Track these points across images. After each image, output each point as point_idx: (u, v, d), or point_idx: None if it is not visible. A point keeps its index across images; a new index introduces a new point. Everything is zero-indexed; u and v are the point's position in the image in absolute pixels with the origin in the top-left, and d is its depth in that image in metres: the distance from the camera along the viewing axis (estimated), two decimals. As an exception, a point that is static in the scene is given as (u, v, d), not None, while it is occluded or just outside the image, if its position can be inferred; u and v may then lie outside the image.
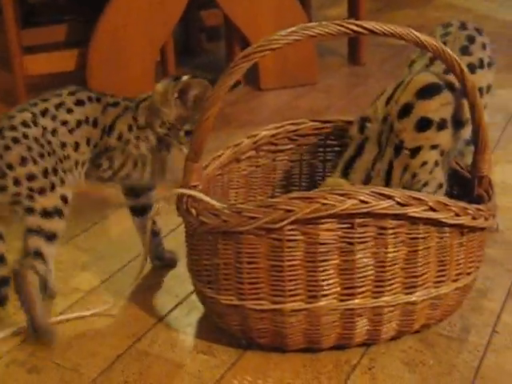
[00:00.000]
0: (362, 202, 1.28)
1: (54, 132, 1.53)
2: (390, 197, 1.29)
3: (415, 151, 1.45)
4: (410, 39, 1.32)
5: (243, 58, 1.29)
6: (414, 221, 1.32)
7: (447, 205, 1.33)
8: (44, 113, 1.53)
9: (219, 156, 1.61)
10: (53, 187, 1.49)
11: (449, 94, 1.47)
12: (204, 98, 1.51)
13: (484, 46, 1.63)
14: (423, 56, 1.60)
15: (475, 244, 1.42)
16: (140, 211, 1.69)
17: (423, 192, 1.45)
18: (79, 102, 1.57)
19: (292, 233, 1.31)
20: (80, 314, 1.57)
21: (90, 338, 1.51)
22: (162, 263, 1.74)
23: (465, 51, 1.57)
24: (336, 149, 1.74)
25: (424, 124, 1.45)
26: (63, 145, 1.54)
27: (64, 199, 1.51)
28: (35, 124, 1.51)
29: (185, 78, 1.57)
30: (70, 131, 1.54)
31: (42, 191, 1.48)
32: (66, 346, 1.48)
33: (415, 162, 1.45)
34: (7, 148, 1.47)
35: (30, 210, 1.48)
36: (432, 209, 1.31)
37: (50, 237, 1.49)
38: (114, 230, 1.92)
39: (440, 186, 1.49)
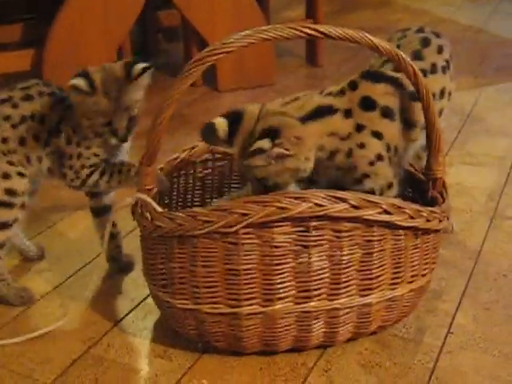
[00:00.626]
0: (317, 205, 1.28)
1: None
2: (344, 200, 1.30)
3: (359, 127, 1.43)
4: (364, 43, 1.32)
5: (197, 62, 1.28)
6: (368, 223, 1.33)
7: (401, 207, 1.34)
8: None
9: (175, 159, 1.61)
10: None
11: (392, 86, 1.46)
12: (107, 82, 1.48)
13: (440, 49, 1.62)
14: (380, 59, 1.60)
15: (430, 246, 1.43)
16: (101, 212, 1.67)
17: (364, 184, 1.44)
18: (27, 97, 1.55)
19: (247, 236, 1.30)
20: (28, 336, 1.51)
21: (44, 342, 1.49)
22: (119, 266, 1.72)
23: (417, 55, 1.56)
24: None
25: (368, 104, 1.44)
26: (4, 140, 1.54)
27: (10, 192, 1.53)
28: None
29: (73, 81, 1.48)
30: (13, 126, 1.54)
31: None
32: (19, 352, 1.46)
33: (355, 138, 1.43)
34: None
35: None
36: (386, 211, 1.32)
37: (2, 226, 1.54)
38: (68, 233, 1.90)
39: (389, 185, 1.46)
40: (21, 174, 1.55)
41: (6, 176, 1.54)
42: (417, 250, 1.41)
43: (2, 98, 1.56)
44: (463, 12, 4.06)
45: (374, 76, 1.47)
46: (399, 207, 1.34)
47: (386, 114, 1.44)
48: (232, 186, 1.72)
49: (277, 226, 1.30)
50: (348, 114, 1.43)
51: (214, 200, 1.70)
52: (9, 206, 1.54)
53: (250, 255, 1.32)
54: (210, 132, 1.41)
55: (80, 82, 1.46)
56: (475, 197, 2.04)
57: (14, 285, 1.61)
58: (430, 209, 1.39)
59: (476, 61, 3.22)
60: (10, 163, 1.54)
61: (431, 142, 1.42)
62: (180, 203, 1.68)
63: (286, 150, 1.35)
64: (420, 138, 1.49)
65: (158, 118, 1.31)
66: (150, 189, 1.39)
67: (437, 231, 1.43)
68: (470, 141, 2.41)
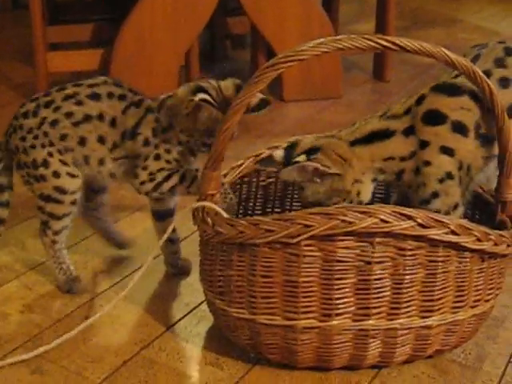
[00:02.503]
0: (383, 221, 1.25)
1: (53, 123, 1.54)
2: (410, 217, 1.26)
3: (423, 144, 1.40)
4: (440, 57, 1.29)
5: (270, 67, 1.27)
6: (434, 243, 1.29)
7: (469, 229, 1.30)
8: (48, 104, 1.55)
9: (239, 166, 1.59)
10: (44, 178, 1.55)
11: (470, 101, 1.40)
12: (214, 119, 1.49)
13: None
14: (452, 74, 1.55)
15: (495, 271, 1.39)
16: (162, 216, 1.65)
17: (433, 203, 1.41)
18: (95, 96, 1.55)
19: (309, 248, 1.28)
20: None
21: (96, 342, 1.49)
22: (175, 271, 1.71)
23: (499, 62, 1.51)
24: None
25: (434, 117, 1.40)
26: (63, 136, 1.54)
27: (60, 190, 1.55)
28: (35, 115, 1.55)
29: (200, 95, 1.50)
30: (74, 124, 1.54)
31: (35, 179, 1.56)
32: (71, 349, 1.46)
33: (421, 155, 1.41)
34: (10, 136, 1.58)
35: (32, 191, 1.60)
36: (453, 232, 1.28)
37: (53, 216, 1.58)
38: (127, 233, 1.89)
39: (455, 206, 1.43)
40: (71, 175, 1.56)
41: (56, 175, 1.55)
42: (482, 274, 1.37)
43: (67, 93, 1.55)
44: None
45: (449, 89, 1.43)
46: (467, 228, 1.30)
47: (459, 129, 1.39)
48: (295, 196, 1.69)
49: (340, 240, 1.27)
50: (408, 132, 1.41)
51: None
52: (58, 202, 1.56)
53: (310, 268, 1.29)
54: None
55: (207, 98, 1.49)
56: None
57: (68, 272, 1.63)
58: (498, 232, 1.34)
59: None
60: (63, 163, 1.55)
61: (503, 163, 1.37)
62: (241, 211, 1.67)
63: (325, 166, 1.39)
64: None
65: (226, 122, 1.30)
66: (213, 194, 1.37)
67: (504, 256, 1.38)
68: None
